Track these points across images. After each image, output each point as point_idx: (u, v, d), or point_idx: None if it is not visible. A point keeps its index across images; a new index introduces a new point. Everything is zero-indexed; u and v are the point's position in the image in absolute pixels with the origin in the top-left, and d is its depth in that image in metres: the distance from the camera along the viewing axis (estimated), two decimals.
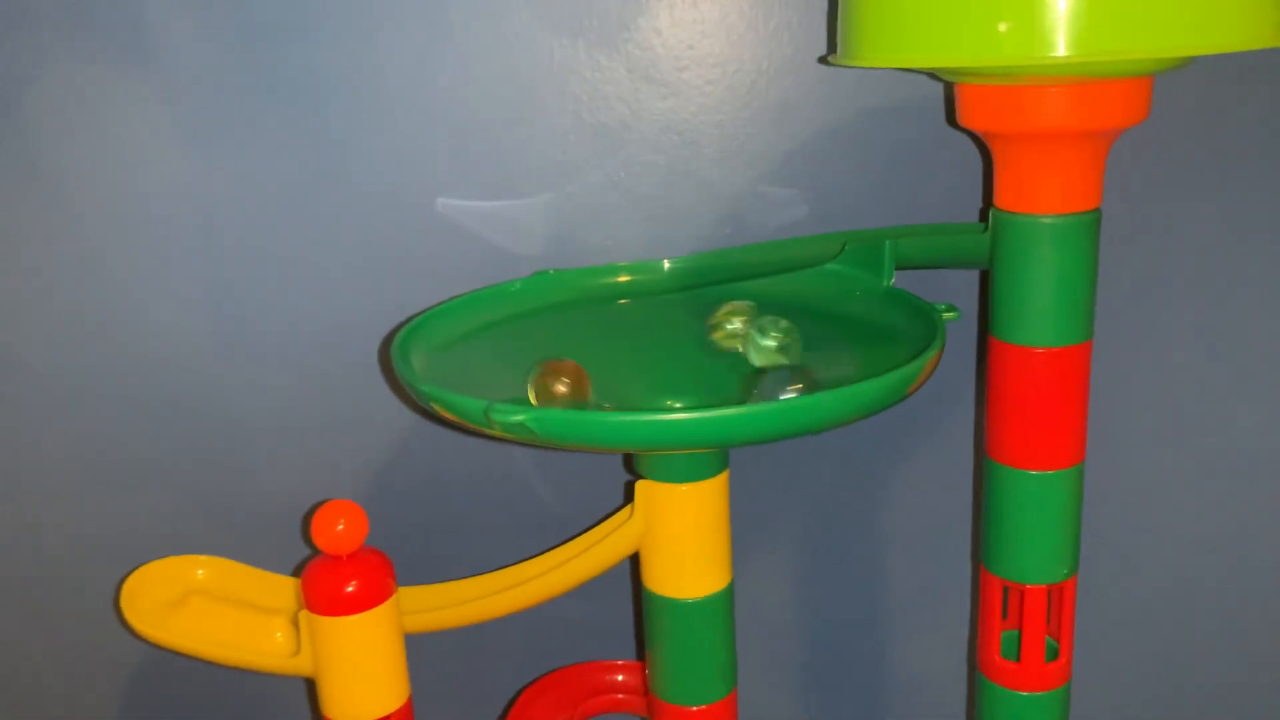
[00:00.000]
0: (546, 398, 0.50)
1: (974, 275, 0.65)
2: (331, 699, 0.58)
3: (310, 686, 0.71)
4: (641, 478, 0.56)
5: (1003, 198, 0.54)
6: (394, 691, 0.59)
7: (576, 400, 0.50)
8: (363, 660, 0.58)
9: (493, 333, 0.61)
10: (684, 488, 0.56)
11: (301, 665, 0.59)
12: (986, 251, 0.55)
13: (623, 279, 0.65)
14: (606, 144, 0.63)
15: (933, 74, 0.58)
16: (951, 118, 0.60)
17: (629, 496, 0.68)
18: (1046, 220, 0.52)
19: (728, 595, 0.58)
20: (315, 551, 0.69)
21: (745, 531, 0.69)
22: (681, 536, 0.57)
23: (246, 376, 0.66)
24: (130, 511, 0.68)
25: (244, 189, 0.63)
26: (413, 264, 0.65)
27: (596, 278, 0.64)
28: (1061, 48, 0.44)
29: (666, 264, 0.65)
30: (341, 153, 0.63)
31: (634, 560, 0.59)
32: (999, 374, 0.56)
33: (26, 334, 0.65)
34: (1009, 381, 0.55)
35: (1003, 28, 0.45)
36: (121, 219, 0.63)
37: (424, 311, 0.60)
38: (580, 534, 0.60)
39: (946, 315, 0.56)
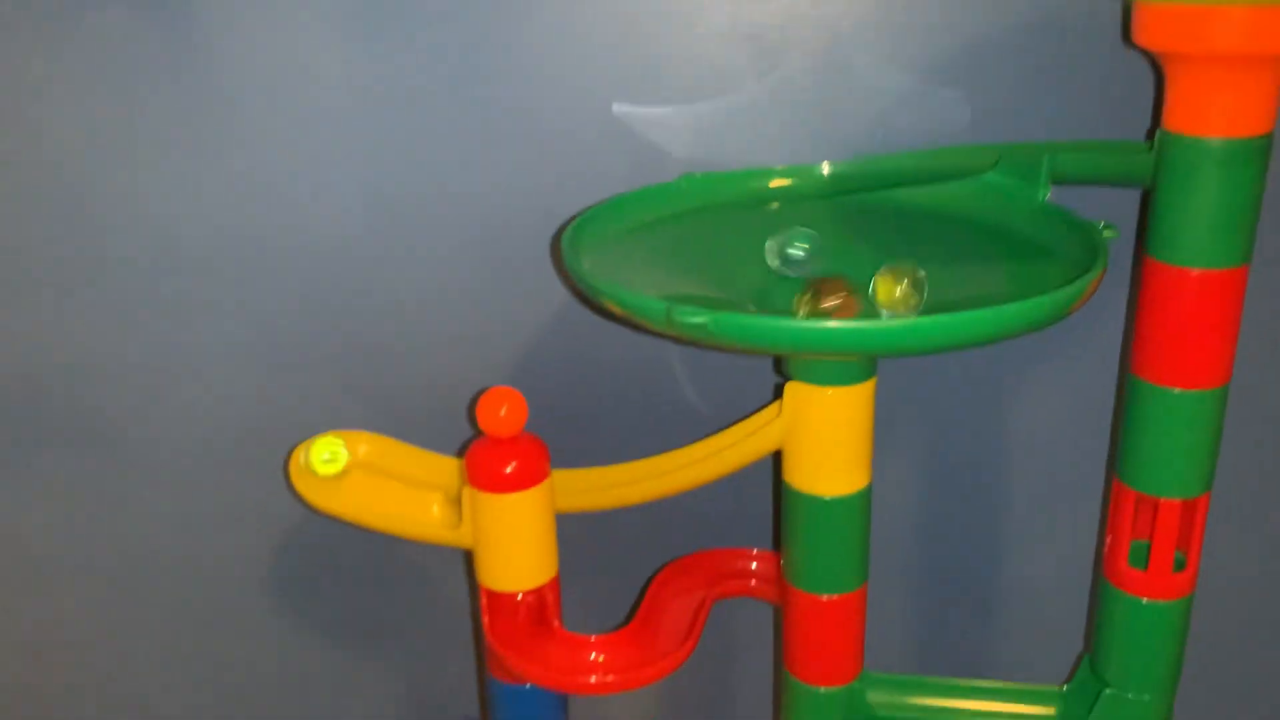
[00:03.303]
0: (816, 311, 0.53)
1: (1124, 194, 0.65)
2: (488, 569, 0.63)
3: (468, 558, 0.76)
4: (790, 379, 0.58)
5: (1172, 118, 0.54)
6: (545, 565, 0.63)
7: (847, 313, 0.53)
8: (518, 535, 0.62)
9: (646, 233, 0.63)
10: (832, 391, 0.58)
11: (462, 537, 0.63)
12: (1149, 171, 0.55)
13: (776, 183, 0.66)
14: (761, 48, 0.64)
15: None
16: (1127, 35, 0.59)
17: (772, 396, 0.71)
18: (1215, 143, 0.52)
19: (866, 495, 0.61)
20: (474, 433, 0.73)
21: (881, 432, 0.71)
22: (826, 438, 0.59)
23: (409, 265, 0.69)
24: (294, 394, 0.72)
25: (415, 83, 0.65)
26: (568, 164, 0.66)
27: (750, 181, 0.66)
28: None
29: (826, 167, 0.65)
30: (506, 56, 0.64)
31: (775, 456, 0.61)
32: (1152, 293, 0.56)
33: (194, 221, 0.68)
34: (1162, 301, 0.56)
35: None
36: (288, 109, 0.66)
37: (590, 208, 0.62)
38: (723, 429, 0.63)
39: (1106, 233, 0.56)
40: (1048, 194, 0.60)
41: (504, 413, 0.60)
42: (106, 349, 0.71)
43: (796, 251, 0.56)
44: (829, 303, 0.52)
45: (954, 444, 0.73)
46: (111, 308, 0.70)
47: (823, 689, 0.63)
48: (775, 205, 0.66)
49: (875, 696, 0.64)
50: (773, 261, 0.58)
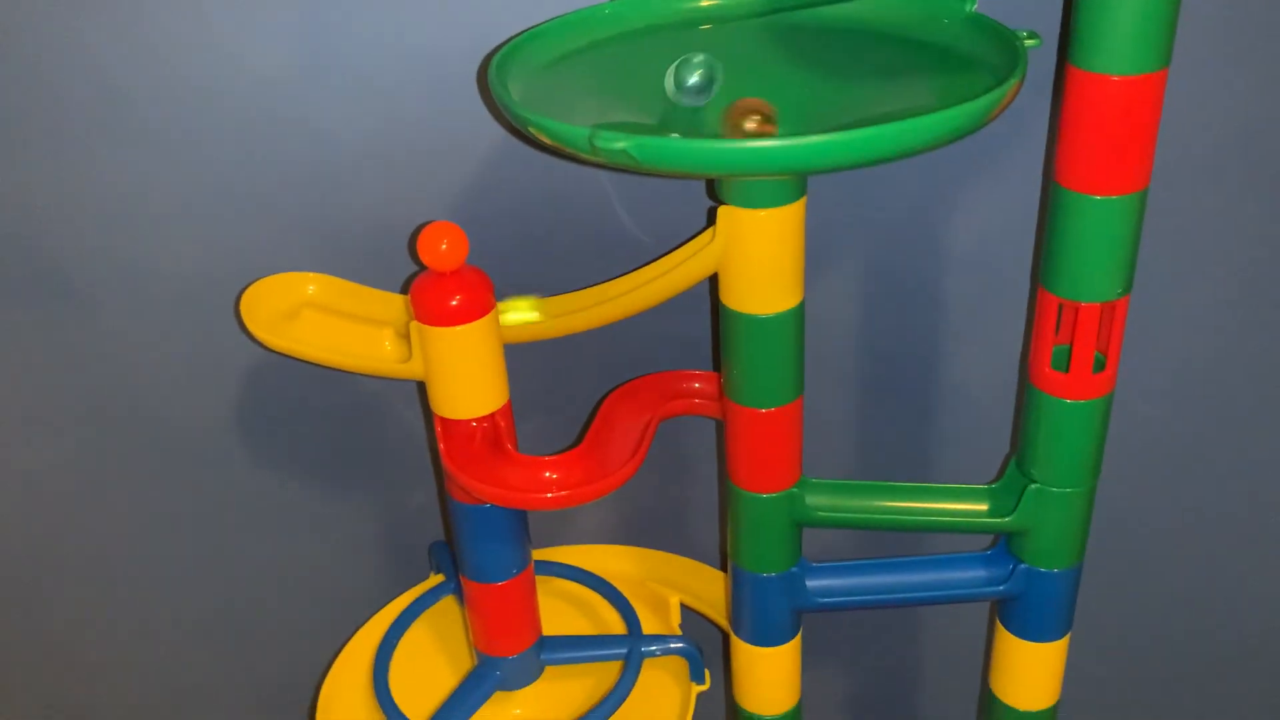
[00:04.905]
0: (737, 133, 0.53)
1: (1049, 3, 0.65)
2: (441, 399, 0.65)
3: (423, 389, 0.78)
4: (723, 203, 0.60)
5: None
6: (496, 393, 0.65)
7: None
8: (468, 365, 0.64)
9: (577, 60, 0.63)
10: (763, 213, 0.59)
11: (414, 370, 0.65)
12: None
13: (707, 2, 0.65)
14: None
15: None
16: None
17: (707, 222, 0.72)
18: None
19: (799, 312, 0.63)
20: (418, 269, 0.74)
21: (815, 250, 0.73)
22: (759, 259, 0.60)
23: (343, 101, 0.69)
24: (239, 238, 0.73)
25: None
26: None
27: (681, 2, 0.65)
28: None
29: None
30: None
31: (713, 279, 0.63)
32: (1074, 101, 0.57)
33: (136, 67, 0.67)
34: (1084, 108, 0.56)
35: None
36: None
37: (516, 35, 0.61)
38: (661, 257, 0.64)
39: (1028, 42, 0.57)
40: (975, 4, 0.60)
41: (445, 247, 0.61)
42: (55, 200, 0.71)
43: (692, 79, 0.56)
44: (748, 124, 0.52)
45: (886, 258, 0.74)
46: (57, 159, 0.70)
47: (764, 495, 0.67)
48: (707, 26, 0.65)
49: (814, 499, 0.68)
50: (671, 93, 0.57)
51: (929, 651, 0.91)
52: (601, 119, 0.57)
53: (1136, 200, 0.58)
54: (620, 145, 0.48)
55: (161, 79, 0.68)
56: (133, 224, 0.72)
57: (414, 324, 0.63)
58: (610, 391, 0.72)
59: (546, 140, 0.53)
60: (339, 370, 0.75)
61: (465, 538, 0.70)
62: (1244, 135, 0.69)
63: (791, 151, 0.48)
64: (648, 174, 0.63)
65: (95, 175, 0.70)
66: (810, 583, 0.71)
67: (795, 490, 0.67)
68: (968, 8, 0.60)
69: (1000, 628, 0.72)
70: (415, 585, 0.82)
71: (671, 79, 0.56)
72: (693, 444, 0.82)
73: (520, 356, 0.73)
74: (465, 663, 0.77)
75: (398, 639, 0.77)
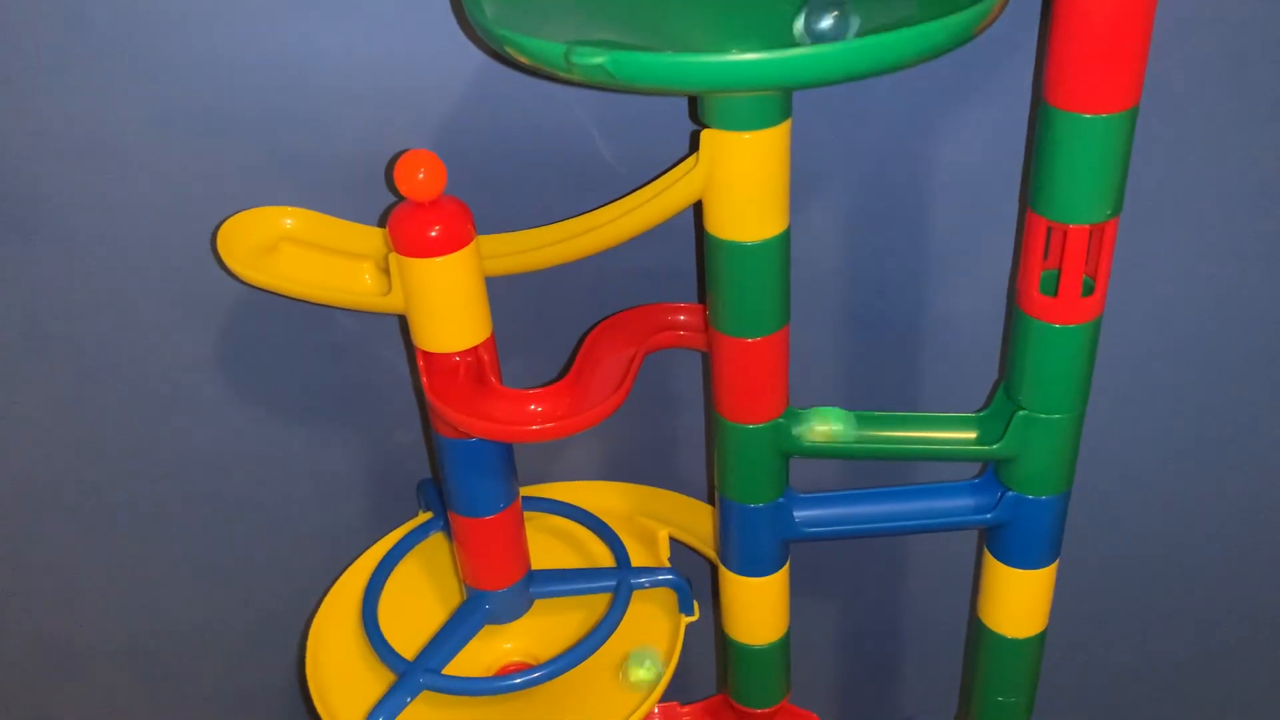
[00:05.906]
0: None
1: None
2: (422, 333, 0.64)
3: (404, 323, 0.78)
4: (707, 126, 0.58)
5: None
6: (479, 326, 0.65)
7: None
8: (449, 297, 0.63)
9: None
10: (748, 135, 0.58)
11: (394, 303, 0.64)
12: None
13: None
14: None
15: None
16: None
17: (689, 151, 0.71)
18: None
19: (785, 238, 0.62)
20: (396, 199, 0.73)
21: (801, 176, 0.72)
22: (744, 183, 0.59)
23: (317, 32, 0.67)
24: (215, 171, 0.72)
25: None
26: None
27: None
28: None
29: None
30: None
31: (697, 208, 0.62)
32: (1063, 16, 0.56)
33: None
34: (1072, 24, 0.55)
35: None
36: None
37: None
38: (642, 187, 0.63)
39: None
40: None
41: (422, 176, 0.60)
42: (24, 132, 0.70)
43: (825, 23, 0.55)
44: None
45: (873, 184, 0.73)
46: (27, 88, 0.68)
47: (751, 425, 0.66)
48: None
49: (800, 430, 0.68)
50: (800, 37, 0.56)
51: (918, 581, 0.91)
52: (579, 38, 0.55)
53: (1126, 118, 0.57)
54: (597, 60, 0.47)
55: (135, 6, 0.66)
56: (104, 157, 0.71)
57: (393, 256, 0.62)
58: (594, 325, 0.71)
59: (523, 59, 0.51)
60: (320, 305, 0.75)
61: (451, 473, 0.70)
62: (1238, 54, 0.68)
63: (772, 65, 0.47)
64: (627, 91, 0.61)
65: (65, 107, 0.69)
66: (798, 513, 0.70)
67: (782, 420, 0.67)
68: None
69: (988, 556, 0.72)
70: (404, 523, 0.82)
71: (801, 23, 0.55)
72: (679, 378, 0.82)
73: (502, 291, 0.72)
74: (455, 598, 0.77)
75: (387, 575, 0.77)
